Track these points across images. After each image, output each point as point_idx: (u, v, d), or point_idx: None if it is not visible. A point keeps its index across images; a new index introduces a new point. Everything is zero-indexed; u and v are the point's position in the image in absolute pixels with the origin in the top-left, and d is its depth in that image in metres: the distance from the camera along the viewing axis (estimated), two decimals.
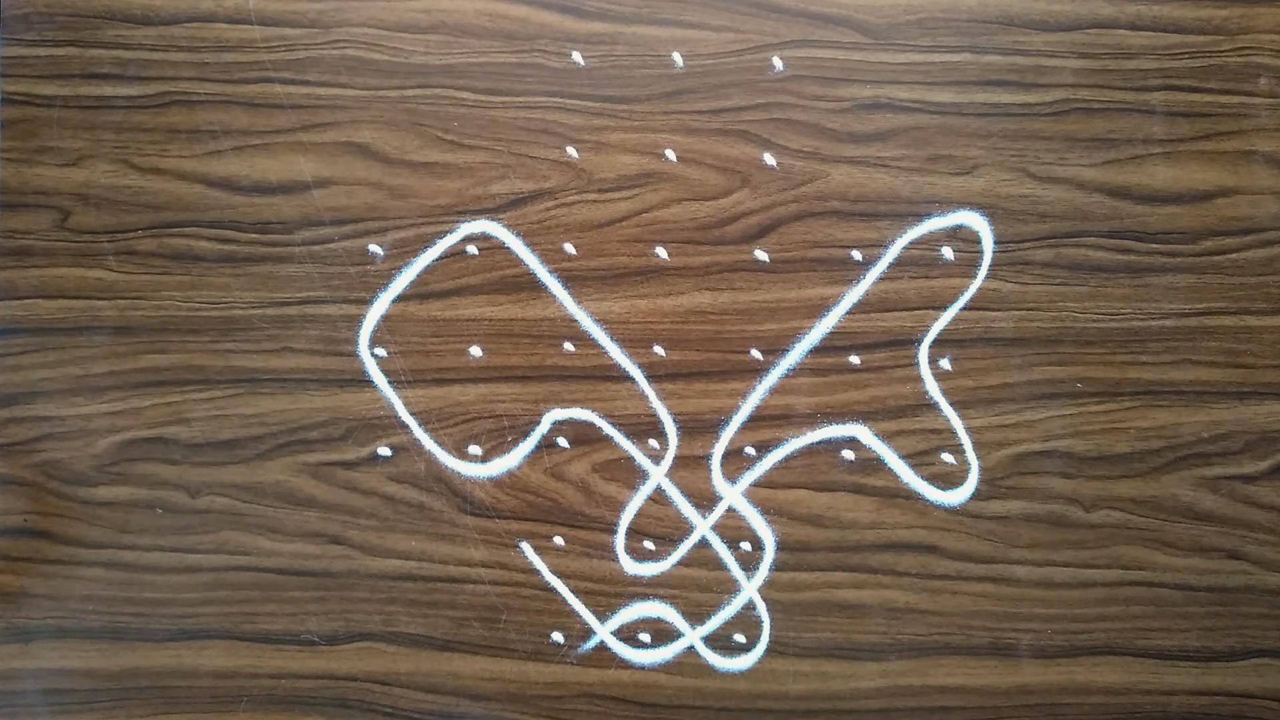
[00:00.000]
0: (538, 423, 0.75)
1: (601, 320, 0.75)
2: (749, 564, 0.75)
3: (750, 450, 0.75)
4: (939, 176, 0.75)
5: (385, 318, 0.75)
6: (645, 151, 0.75)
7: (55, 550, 0.75)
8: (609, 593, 0.75)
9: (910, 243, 0.75)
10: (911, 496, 0.75)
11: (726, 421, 0.75)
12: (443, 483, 0.75)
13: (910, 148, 0.75)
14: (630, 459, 0.75)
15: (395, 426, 0.75)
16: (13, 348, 0.75)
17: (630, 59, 0.75)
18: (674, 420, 0.75)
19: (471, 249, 0.75)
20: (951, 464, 0.75)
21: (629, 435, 0.75)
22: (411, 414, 0.75)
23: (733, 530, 0.75)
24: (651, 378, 0.75)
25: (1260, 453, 0.75)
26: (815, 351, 0.75)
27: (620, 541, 0.75)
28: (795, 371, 0.75)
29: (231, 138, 0.75)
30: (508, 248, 0.75)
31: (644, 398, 0.75)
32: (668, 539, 0.75)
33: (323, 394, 0.75)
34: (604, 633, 0.75)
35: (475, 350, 0.75)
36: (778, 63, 0.75)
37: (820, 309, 0.75)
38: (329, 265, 0.75)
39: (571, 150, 0.75)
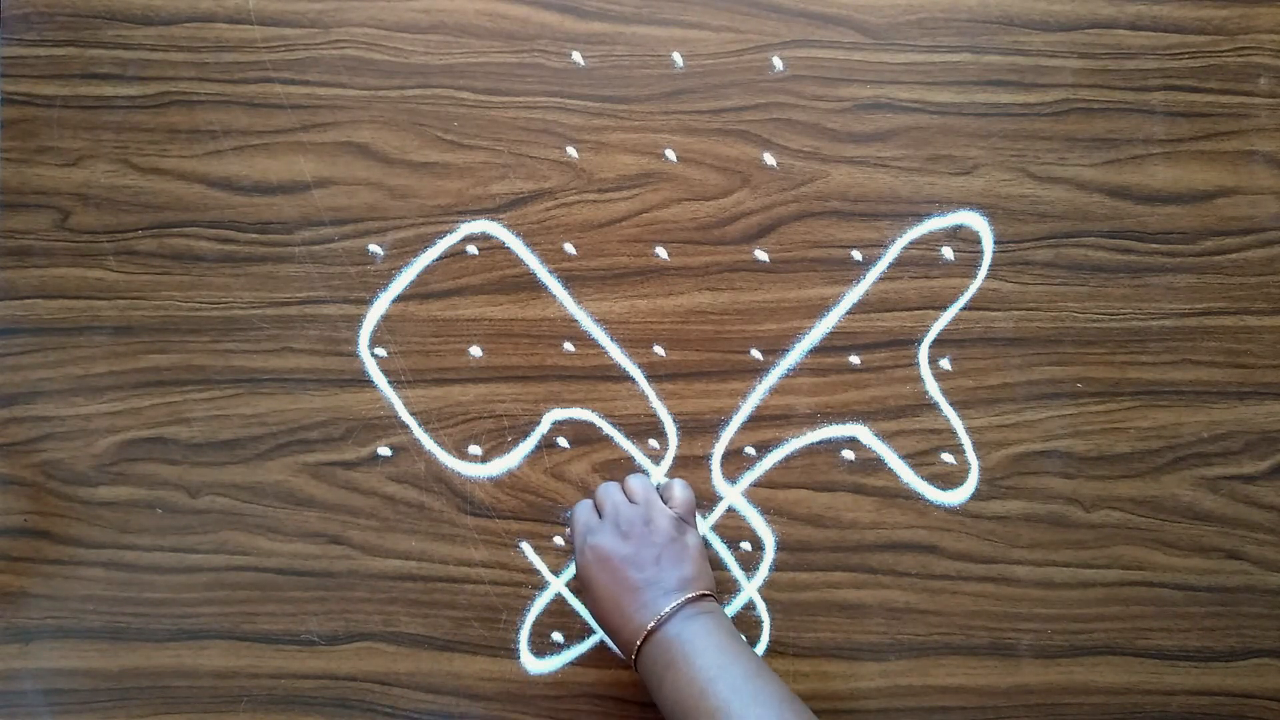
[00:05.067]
0: (538, 423, 0.75)
1: (601, 320, 0.75)
2: (749, 564, 0.75)
3: (750, 450, 0.75)
4: (939, 176, 0.75)
5: (385, 318, 0.75)
6: (645, 151, 0.75)
7: (55, 550, 0.75)
8: None
9: (910, 243, 0.75)
10: (911, 496, 0.75)
11: (726, 421, 0.75)
12: (443, 483, 0.75)
13: (910, 148, 0.75)
14: (630, 459, 0.75)
15: (395, 426, 0.75)
16: (13, 348, 0.75)
17: (630, 59, 0.75)
18: (674, 420, 0.75)
19: (471, 249, 0.75)
20: (951, 464, 0.75)
21: (629, 435, 0.75)
22: (411, 414, 0.75)
23: (733, 530, 0.75)
24: (651, 378, 0.75)
25: (1260, 453, 0.75)
26: (815, 351, 0.75)
27: None
28: (795, 371, 0.75)
29: (231, 138, 0.75)
30: (508, 248, 0.75)
31: (644, 398, 0.75)
32: None
33: (323, 394, 0.75)
34: (604, 633, 0.75)
35: (475, 350, 0.75)
36: (778, 63, 0.75)
37: (820, 309, 0.75)
38: (329, 265, 0.75)
39: (571, 150, 0.75)
